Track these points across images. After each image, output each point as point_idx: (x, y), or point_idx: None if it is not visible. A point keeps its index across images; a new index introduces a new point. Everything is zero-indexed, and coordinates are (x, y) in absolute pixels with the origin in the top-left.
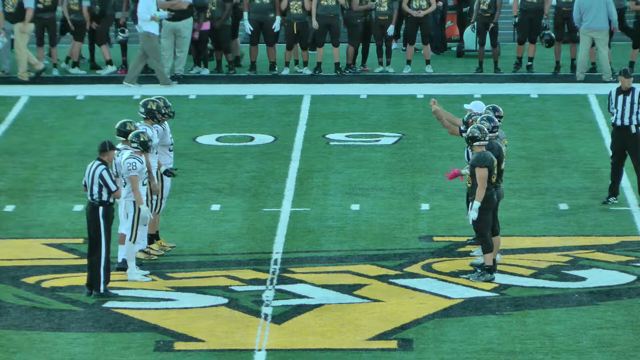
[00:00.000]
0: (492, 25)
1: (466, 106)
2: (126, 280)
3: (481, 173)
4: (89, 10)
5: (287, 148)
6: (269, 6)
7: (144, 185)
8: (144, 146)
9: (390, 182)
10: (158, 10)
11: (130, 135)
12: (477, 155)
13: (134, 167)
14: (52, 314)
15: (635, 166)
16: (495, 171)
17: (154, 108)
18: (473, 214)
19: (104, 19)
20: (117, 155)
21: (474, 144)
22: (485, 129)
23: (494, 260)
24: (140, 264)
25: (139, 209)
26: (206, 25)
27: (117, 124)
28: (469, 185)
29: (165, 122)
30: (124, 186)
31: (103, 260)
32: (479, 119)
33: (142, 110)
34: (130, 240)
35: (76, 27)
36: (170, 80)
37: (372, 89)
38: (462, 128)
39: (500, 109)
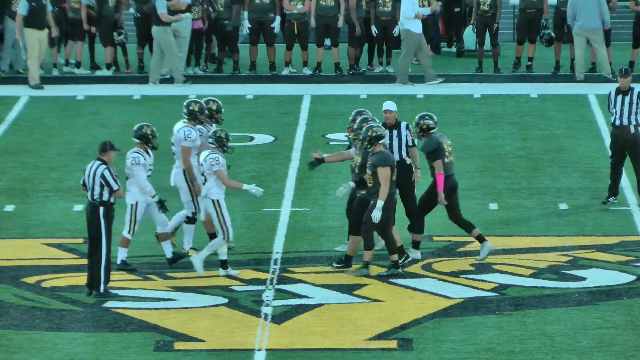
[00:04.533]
0: (495, 26)
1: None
2: (126, 280)
3: (385, 172)
4: (86, 10)
5: (287, 148)
6: (269, 6)
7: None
8: (220, 142)
9: None
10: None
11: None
12: (380, 155)
13: (217, 162)
14: (52, 313)
15: (635, 166)
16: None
17: (196, 109)
18: (377, 214)
19: (101, 20)
20: (135, 158)
21: (380, 142)
22: (383, 128)
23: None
24: (133, 268)
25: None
26: (197, 24)
27: (135, 127)
28: (370, 185)
29: (211, 124)
30: (204, 183)
31: (104, 260)
32: (358, 120)
33: (185, 111)
34: (223, 238)
35: (76, 27)
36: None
37: (372, 89)
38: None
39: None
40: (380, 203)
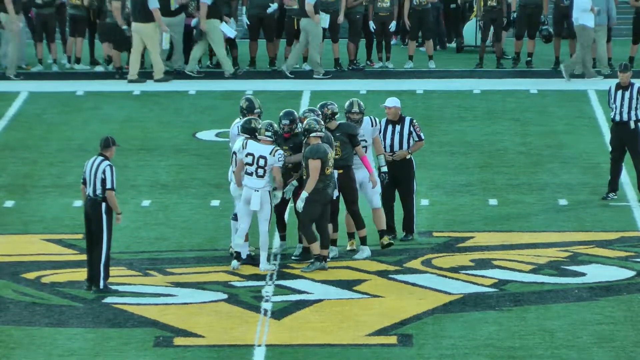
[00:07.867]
0: (505, 20)
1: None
2: (126, 276)
3: (315, 164)
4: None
5: None
6: (269, 1)
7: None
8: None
9: None
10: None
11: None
12: (312, 147)
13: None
14: (52, 309)
15: (635, 162)
16: (330, 163)
17: (244, 107)
18: (299, 204)
19: (102, 15)
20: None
21: (311, 135)
22: (322, 121)
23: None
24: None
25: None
26: (188, 20)
27: (243, 122)
28: (305, 177)
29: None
30: (263, 176)
31: (103, 256)
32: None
33: (244, 105)
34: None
35: (76, 23)
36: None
37: (372, 85)
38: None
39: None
40: (304, 194)
